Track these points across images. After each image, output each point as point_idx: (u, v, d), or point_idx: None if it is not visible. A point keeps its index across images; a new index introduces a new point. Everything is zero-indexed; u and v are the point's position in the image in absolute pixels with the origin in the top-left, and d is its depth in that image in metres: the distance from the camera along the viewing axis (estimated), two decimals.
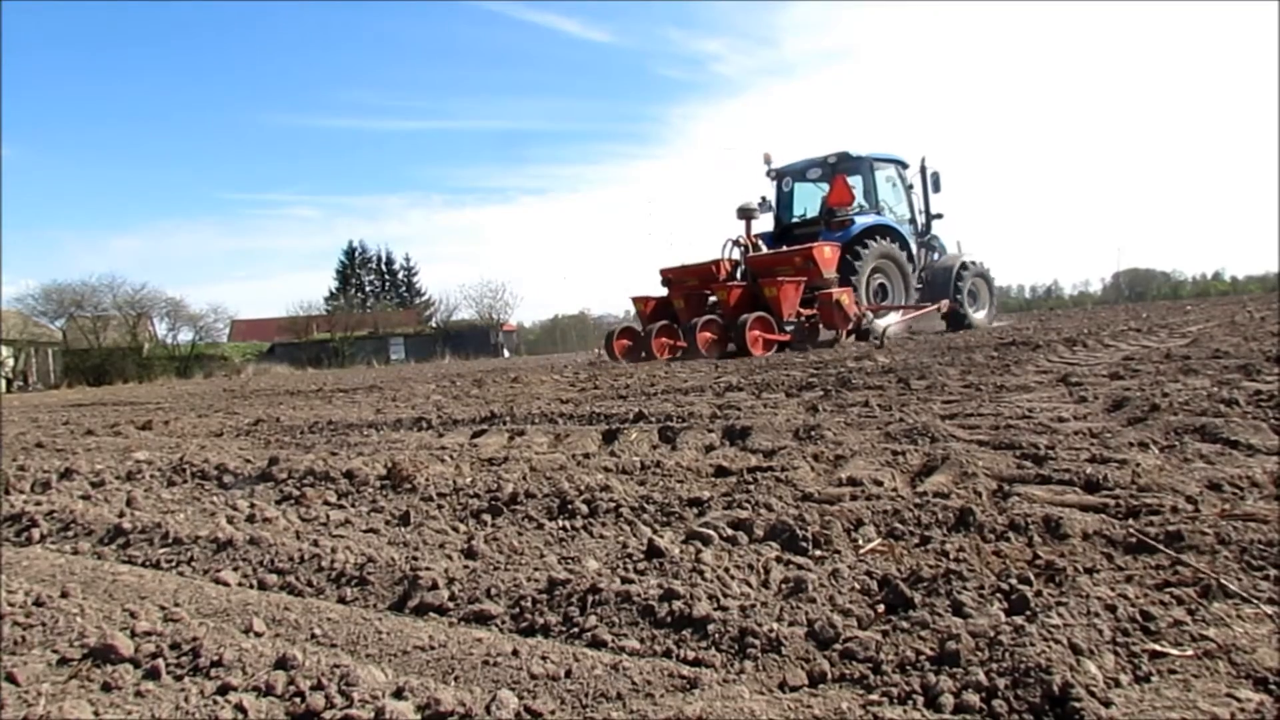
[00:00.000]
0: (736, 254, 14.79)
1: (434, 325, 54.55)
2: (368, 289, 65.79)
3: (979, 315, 16.16)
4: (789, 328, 12.75)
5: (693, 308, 14.00)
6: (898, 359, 7.73)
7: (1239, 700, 1.23)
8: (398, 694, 1.51)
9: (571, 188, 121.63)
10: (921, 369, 6.26)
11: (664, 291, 14.96)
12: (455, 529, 2.68)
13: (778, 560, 2.07)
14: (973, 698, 1.31)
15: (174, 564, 2.56)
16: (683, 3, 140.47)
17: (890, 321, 14.01)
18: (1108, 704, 1.25)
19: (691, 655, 1.61)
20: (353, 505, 3.13)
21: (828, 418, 4.11)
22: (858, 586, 1.85)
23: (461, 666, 1.64)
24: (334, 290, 63.20)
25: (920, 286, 15.61)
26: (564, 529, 2.54)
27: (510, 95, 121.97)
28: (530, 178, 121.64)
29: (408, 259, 67.82)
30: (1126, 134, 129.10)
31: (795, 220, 16.42)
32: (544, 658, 1.63)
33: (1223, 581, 1.65)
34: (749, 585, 1.93)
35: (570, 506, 2.72)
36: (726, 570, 1.99)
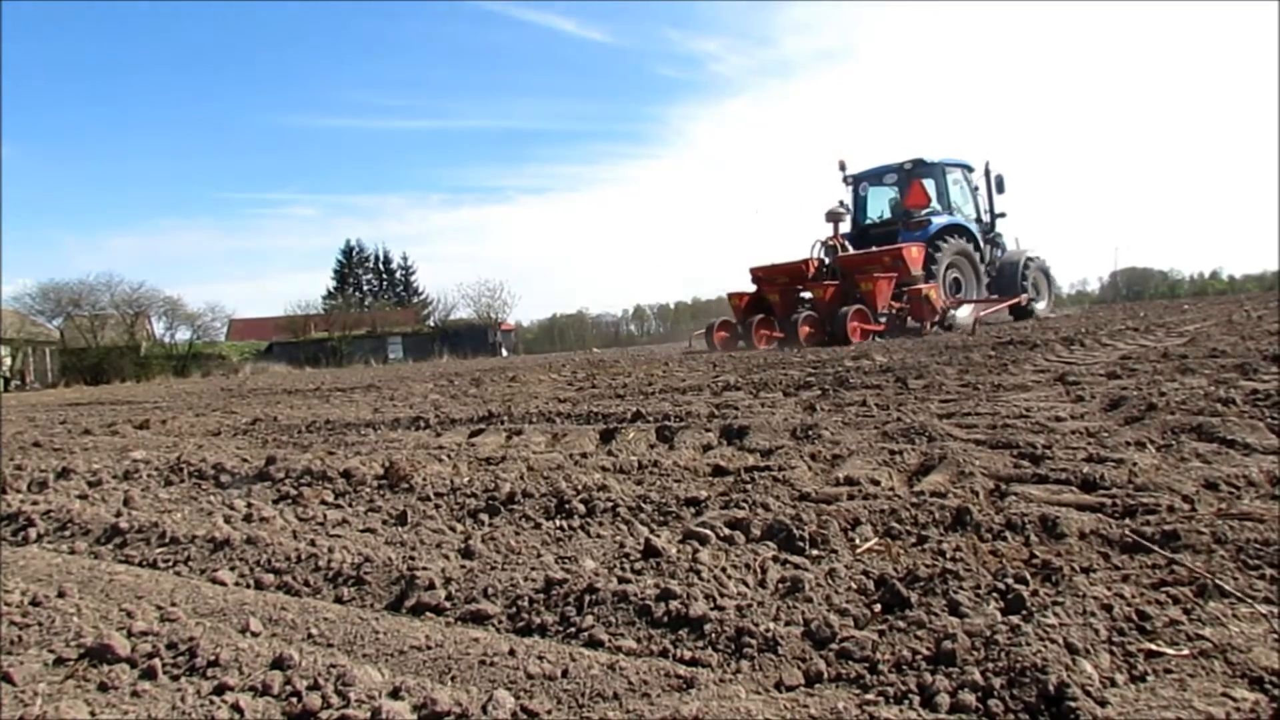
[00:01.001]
0: (819, 252, 16.14)
1: (432, 324, 54.48)
2: (366, 288, 65.78)
3: (1041, 306, 17.89)
4: (882, 319, 14.27)
5: (787, 302, 15.53)
6: (895, 358, 7.73)
7: (1234, 700, 1.24)
8: (394, 694, 1.51)
9: (570, 187, 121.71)
10: (919, 368, 6.26)
11: (753, 288, 16.51)
12: (452, 528, 2.68)
13: (775, 560, 2.07)
14: (969, 697, 1.31)
15: (171, 563, 2.56)
16: (680, 2, 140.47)
17: (968, 313, 15.73)
18: (1103, 704, 1.25)
19: (688, 655, 1.61)
20: (350, 505, 3.12)
21: (825, 417, 4.12)
22: (854, 586, 1.85)
23: (458, 666, 1.64)
24: (332, 289, 63.23)
25: (989, 280, 17.11)
26: (561, 529, 2.54)
27: (508, 95, 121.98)
28: (528, 177, 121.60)
29: (405, 258, 67.74)
30: (1124, 133, 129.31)
31: (872, 222, 17.99)
32: (541, 658, 1.64)
33: (1219, 581, 1.65)
34: (746, 585, 1.93)
35: (568, 506, 2.72)
36: (723, 570, 2.00)
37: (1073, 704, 1.24)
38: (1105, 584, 1.70)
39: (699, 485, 2.93)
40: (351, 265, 65.67)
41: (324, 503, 3.18)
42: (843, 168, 18.08)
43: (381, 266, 66.73)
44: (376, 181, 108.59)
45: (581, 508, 2.69)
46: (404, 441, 4.71)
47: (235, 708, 1.51)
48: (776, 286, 15.92)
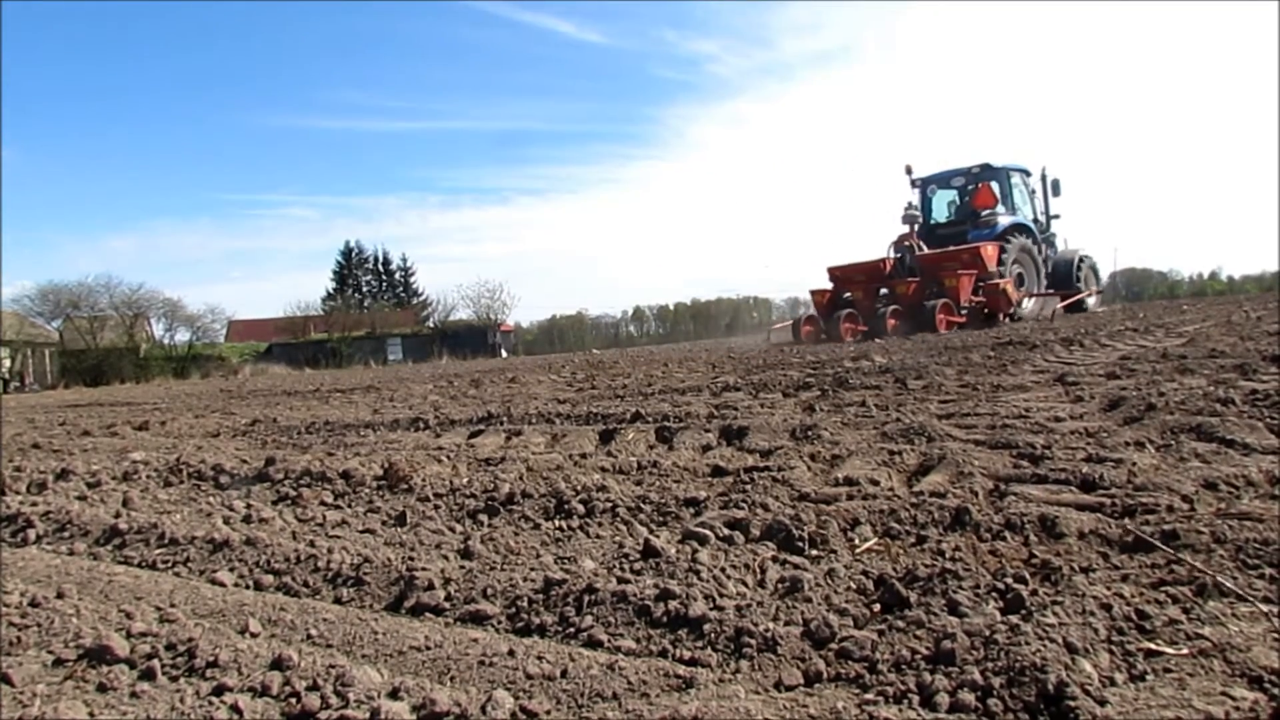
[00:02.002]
0: (894, 251, 17.74)
1: (431, 325, 54.48)
2: (365, 289, 65.69)
3: (1091, 300, 19.37)
4: (964, 311, 15.57)
5: (869, 297, 16.88)
6: (894, 359, 7.73)
7: (1234, 699, 1.24)
8: (393, 694, 1.51)
9: (568, 188, 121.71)
10: (918, 369, 6.26)
11: (830, 286, 18.00)
12: (452, 529, 2.68)
13: (774, 560, 2.07)
14: (968, 697, 1.31)
15: (170, 564, 2.56)
16: (678, 4, 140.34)
17: (1032, 305, 17.40)
18: (1103, 703, 1.25)
19: (687, 655, 1.61)
20: (349, 506, 3.12)
21: (825, 418, 4.12)
22: (854, 586, 1.85)
23: (457, 667, 1.64)
24: (331, 290, 63.18)
25: (1047, 276, 18.56)
26: (560, 529, 2.54)
27: (506, 96, 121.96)
28: (526, 178, 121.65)
29: (405, 259, 67.65)
30: (1123, 134, 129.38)
31: (938, 222, 19.34)
32: (540, 658, 1.63)
33: (1218, 580, 1.65)
34: (745, 585, 1.93)
35: (567, 507, 2.72)
36: (723, 570, 1.99)
37: (1072, 703, 1.24)
38: (1104, 583, 1.70)
39: (698, 486, 2.93)
40: (351, 266, 65.62)
41: (323, 504, 3.17)
42: (909, 172, 19.43)
43: (381, 268, 66.69)
44: (374, 183, 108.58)
45: (581, 508, 2.69)
46: (403, 442, 4.71)
47: (234, 708, 1.50)
48: (858, 284, 17.36)
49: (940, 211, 19.63)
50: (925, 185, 19.66)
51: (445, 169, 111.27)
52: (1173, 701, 1.24)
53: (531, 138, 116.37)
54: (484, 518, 2.76)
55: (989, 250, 16.22)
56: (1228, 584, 1.63)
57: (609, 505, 2.68)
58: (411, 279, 66.94)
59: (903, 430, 3.49)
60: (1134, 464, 2.62)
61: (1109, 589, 1.66)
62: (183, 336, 44.12)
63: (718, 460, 3.31)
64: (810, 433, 3.66)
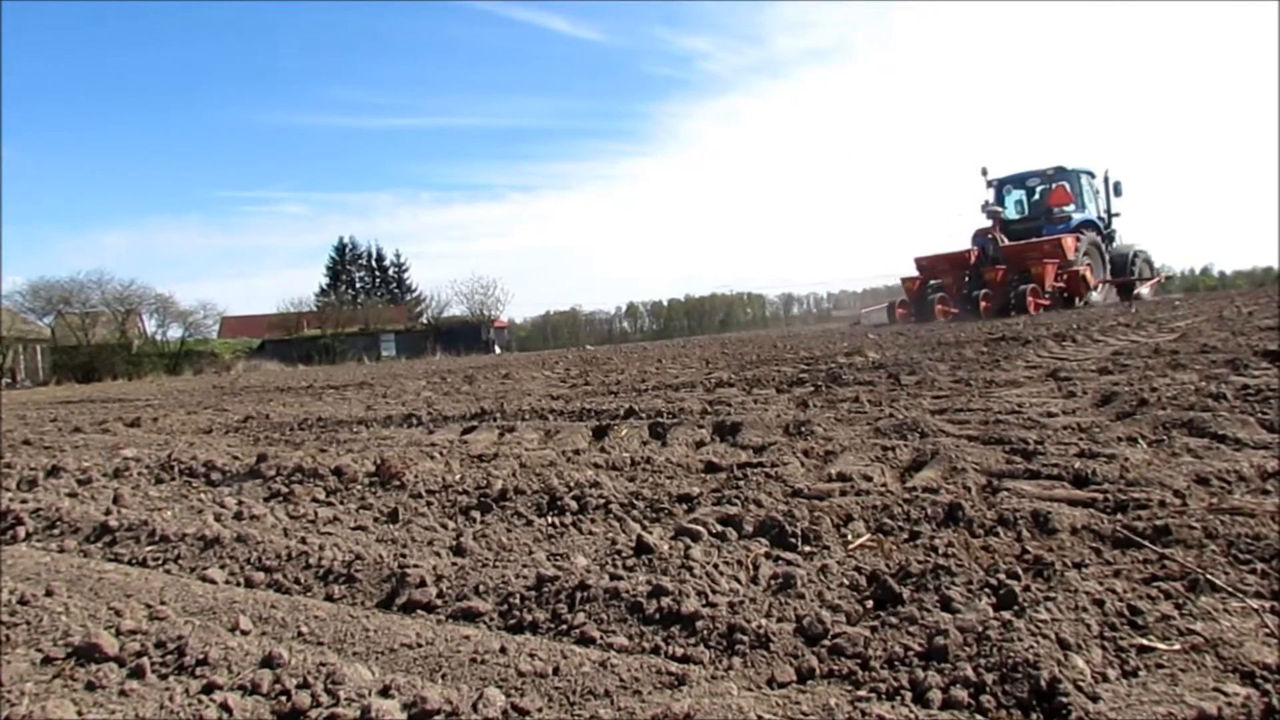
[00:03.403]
0: (977, 243, 20.13)
1: (425, 322, 54.34)
2: (358, 285, 65.47)
3: (1144, 290, 21.53)
4: (1048, 294, 18.05)
5: (957, 283, 19.53)
6: (888, 355, 7.74)
7: (1226, 694, 1.23)
8: (384, 692, 1.50)
9: (561, 185, 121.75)
10: (911, 365, 6.27)
11: (918, 274, 20.82)
12: (444, 526, 2.67)
13: (767, 556, 2.06)
14: (961, 693, 1.31)
15: (160, 562, 2.54)
16: (671, 1, 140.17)
17: (1101, 293, 19.85)
18: (1095, 699, 1.25)
19: (680, 652, 1.60)
20: (341, 502, 3.11)
21: (818, 413, 4.12)
22: (847, 582, 1.85)
23: (449, 664, 1.63)
24: (325, 287, 62.94)
25: (1110, 266, 21.14)
26: (553, 526, 2.54)
27: (499, 93, 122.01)
28: (520, 174, 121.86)
29: (399, 255, 67.46)
30: (1116, 131, 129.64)
31: (1013, 218, 21.55)
32: (532, 655, 1.63)
33: (1210, 576, 1.65)
34: (738, 581, 1.92)
35: (560, 503, 2.72)
36: (715, 566, 1.99)
37: (1065, 699, 1.24)
38: (1097, 579, 1.70)
39: (691, 482, 2.93)
40: (344, 262, 65.38)
41: (315, 500, 3.16)
42: (985, 173, 22.08)
43: (374, 264, 66.48)
44: (367, 179, 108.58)
45: (574, 505, 2.69)
46: (396, 439, 4.70)
47: (224, 706, 1.49)
48: (946, 271, 19.98)
49: (1010, 209, 22.05)
50: (1001, 185, 22.14)
51: (438, 165, 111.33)
52: (1165, 697, 1.24)
53: (524, 134, 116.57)
54: (476, 514, 2.75)
55: (1069, 242, 18.76)
56: (1220, 579, 1.64)
57: (602, 502, 2.68)
58: (405, 275, 66.81)
59: (896, 426, 3.49)
60: (1126, 459, 2.62)
61: (1101, 585, 1.66)
62: (175, 333, 43.85)
63: (711, 456, 3.30)
64: (803, 429, 3.66)
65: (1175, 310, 13.03)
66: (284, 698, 1.52)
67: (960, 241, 21.38)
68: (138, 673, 1.67)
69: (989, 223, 21.03)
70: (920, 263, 20.86)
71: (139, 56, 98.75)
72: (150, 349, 41.58)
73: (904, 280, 21.28)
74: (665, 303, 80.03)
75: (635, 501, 2.67)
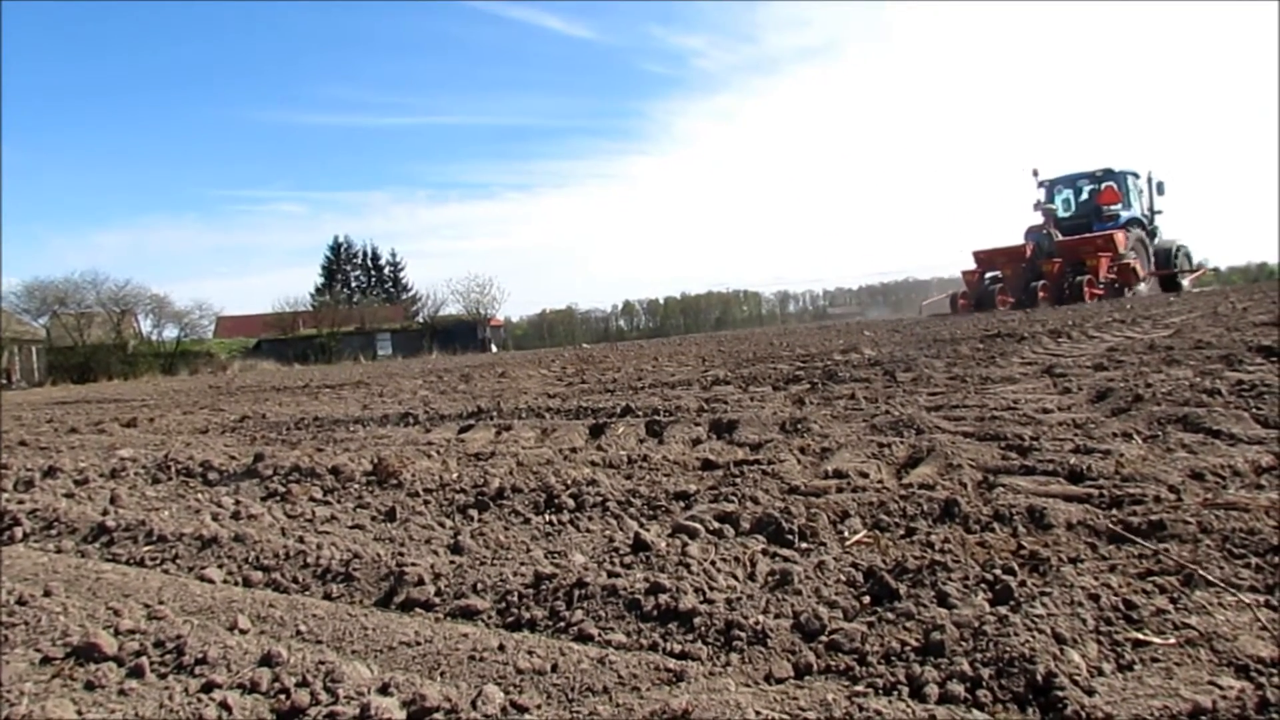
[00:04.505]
0: (1031, 238, 21.52)
1: (421, 321, 54.28)
2: (354, 284, 65.33)
3: (1185, 282, 22.75)
4: (1101, 285, 19.64)
5: (1016, 275, 20.93)
6: (884, 352, 7.75)
7: (1221, 688, 1.24)
8: (383, 690, 1.51)
9: (556, 183, 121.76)
10: (907, 361, 6.28)
11: (975, 267, 22.38)
12: (441, 524, 2.67)
13: (764, 553, 2.07)
14: (957, 688, 1.32)
15: (158, 561, 2.54)
16: (664, 0, 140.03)
17: (1146, 287, 21.25)
18: (1091, 693, 1.26)
19: (678, 648, 1.61)
20: (339, 501, 3.11)
21: (814, 411, 4.12)
22: (843, 578, 1.86)
23: (447, 662, 1.64)
24: (320, 286, 62.81)
25: (1154, 261, 22.62)
26: (550, 523, 2.54)
27: (494, 91, 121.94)
28: (514, 173, 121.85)
29: (394, 254, 67.30)
30: (1112, 128, 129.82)
31: (1064, 215, 22.89)
32: (530, 652, 1.63)
33: (1205, 570, 1.66)
34: (735, 578, 1.93)
35: (557, 501, 2.72)
36: (713, 563, 2.00)
37: (1060, 693, 1.25)
38: (1092, 574, 1.71)
39: (688, 479, 2.93)
40: (340, 261, 65.25)
41: (312, 500, 3.16)
42: (1036, 174, 23.52)
43: (370, 263, 66.38)
44: (362, 178, 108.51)
45: (571, 502, 2.69)
46: (393, 438, 4.70)
47: (223, 705, 1.50)
48: (1004, 264, 21.47)
49: (1059, 208, 23.33)
50: (1051, 185, 23.64)
51: (432, 164, 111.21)
52: (1160, 691, 1.25)
53: (519, 133, 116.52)
54: (474, 513, 2.75)
55: (1120, 237, 20.42)
56: (1214, 574, 1.64)
57: (599, 499, 2.68)
58: (401, 274, 66.70)
59: (892, 423, 3.50)
60: (1121, 455, 2.63)
61: (1097, 579, 1.67)
62: (170, 333, 43.80)
63: (708, 454, 3.31)
64: (800, 426, 3.67)
65: (1170, 306, 13.06)
66: (283, 696, 1.52)
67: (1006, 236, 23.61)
68: (137, 672, 1.67)
69: (1040, 219, 22.37)
70: (978, 256, 22.48)
71: (134, 56, 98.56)
72: (146, 349, 41.52)
73: (964, 273, 22.97)
74: (661, 301, 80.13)
75: (632, 499, 2.67)
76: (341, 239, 66.17)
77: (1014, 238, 22.53)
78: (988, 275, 21.97)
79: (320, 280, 64.04)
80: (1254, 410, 3.09)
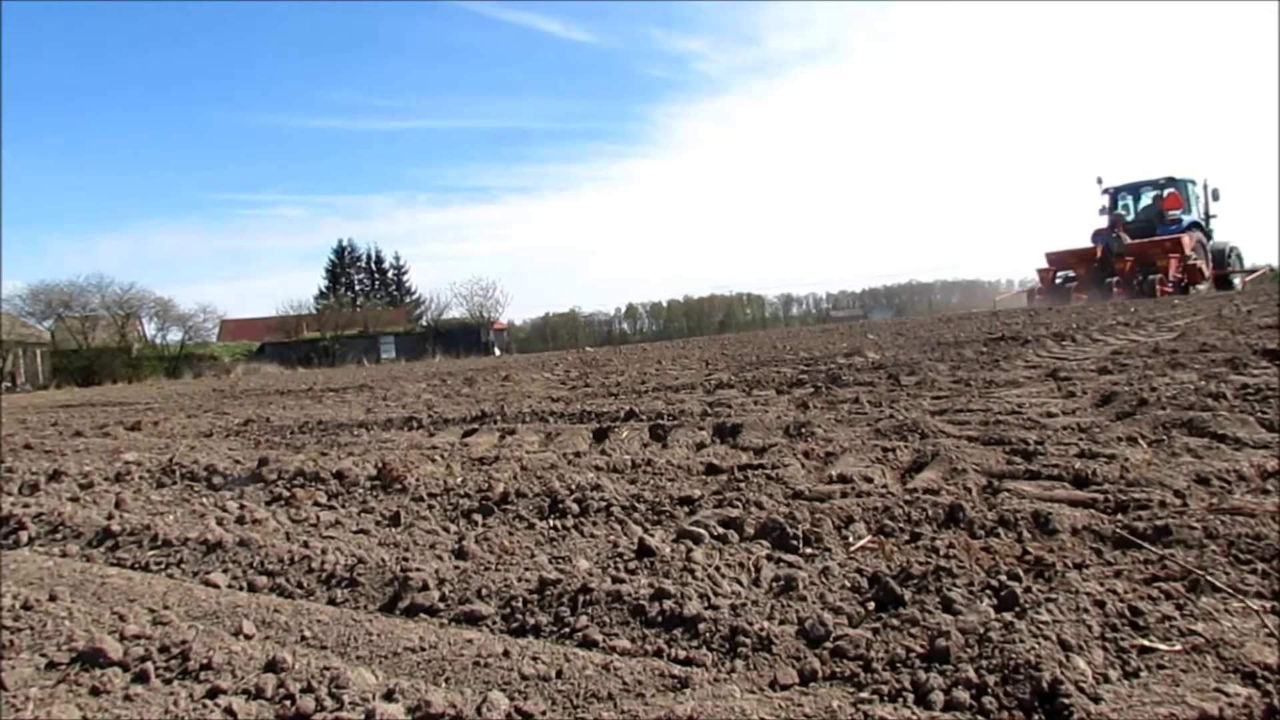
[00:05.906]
0: (1100, 240, 23.54)
1: (424, 324, 54.36)
2: (358, 288, 65.43)
3: (1237, 281, 24.45)
4: (1171, 284, 21.24)
5: (1089, 272, 23.07)
6: (888, 355, 7.74)
7: (1227, 695, 1.24)
8: (388, 696, 1.51)
9: (558, 186, 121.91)
10: (911, 365, 6.27)
11: (1048, 265, 24.50)
12: (446, 529, 2.67)
13: (768, 558, 2.07)
14: (963, 695, 1.32)
15: (163, 566, 2.55)
16: (664, 2, 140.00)
17: (1206, 286, 22.45)
18: (1097, 700, 1.25)
19: (682, 654, 1.61)
20: (343, 506, 3.11)
21: (818, 415, 4.12)
22: (848, 584, 1.86)
23: (452, 668, 1.64)
24: (324, 289, 62.92)
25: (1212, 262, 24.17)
26: (555, 528, 2.54)
27: (495, 95, 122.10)
28: (516, 177, 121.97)
29: (397, 258, 67.43)
30: (1111, 129, 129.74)
31: (1128, 220, 24.62)
32: (535, 658, 1.63)
33: (1211, 576, 1.66)
34: (740, 584, 1.93)
35: (561, 506, 2.72)
36: (717, 569, 2.00)
37: (1066, 700, 1.25)
38: (1098, 580, 1.71)
39: (692, 484, 2.93)
40: (343, 265, 65.33)
41: (317, 504, 3.17)
42: (1100, 181, 25.49)
43: (373, 266, 66.44)
44: (364, 182, 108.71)
45: (575, 507, 2.69)
46: (397, 442, 4.70)
47: (228, 711, 1.50)
48: (1076, 264, 23.78)
49: (1126, 212, 25.32)
50: (1115, 192, 25.56)
51: (434, 168, 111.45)
52: (1166, 698, 1.25)
53: (520, 136, 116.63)
54: (478, 517, 2.75)
55: (1187, 240, 22.18)
56: (1220, 580, 1.64)
57: (603, 504, 2.68)
58: (404, 277, 66.76)
59: (896, 427, 3.49)
60: (1126, 459, 2.63)
61: (1102, 585, 1.66)
62: (175, 336, 43.90)
63: (712, 458, 3.31)
64: (804, 430, 3.67)
65: (1174, 309, 13.03)
66: (288, 702, 1.52)
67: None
68: (142, 677, 1.67)
69: (1105, 223, 24.67)
70: (1050, 256, 24.69)
71: (136, 59, 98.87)
72: (150, 352, 41.64)
73: (1039, 271, 24.97)
74: (664, 304, 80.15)
75: (636, 504, 2.67)
76: (345, 242, 66.33)
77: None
78: (1058, 274, 24.04)
79: (324, 284, 64.18)
80: (1259, 414, 3.09)
